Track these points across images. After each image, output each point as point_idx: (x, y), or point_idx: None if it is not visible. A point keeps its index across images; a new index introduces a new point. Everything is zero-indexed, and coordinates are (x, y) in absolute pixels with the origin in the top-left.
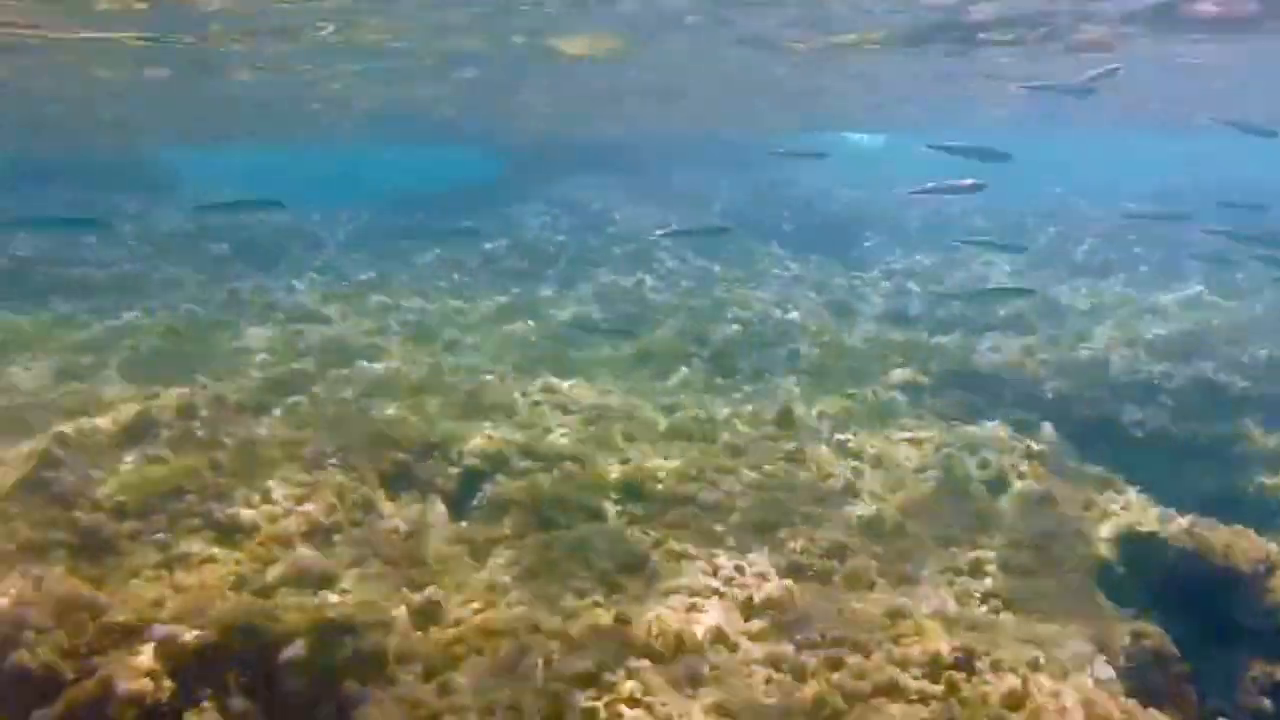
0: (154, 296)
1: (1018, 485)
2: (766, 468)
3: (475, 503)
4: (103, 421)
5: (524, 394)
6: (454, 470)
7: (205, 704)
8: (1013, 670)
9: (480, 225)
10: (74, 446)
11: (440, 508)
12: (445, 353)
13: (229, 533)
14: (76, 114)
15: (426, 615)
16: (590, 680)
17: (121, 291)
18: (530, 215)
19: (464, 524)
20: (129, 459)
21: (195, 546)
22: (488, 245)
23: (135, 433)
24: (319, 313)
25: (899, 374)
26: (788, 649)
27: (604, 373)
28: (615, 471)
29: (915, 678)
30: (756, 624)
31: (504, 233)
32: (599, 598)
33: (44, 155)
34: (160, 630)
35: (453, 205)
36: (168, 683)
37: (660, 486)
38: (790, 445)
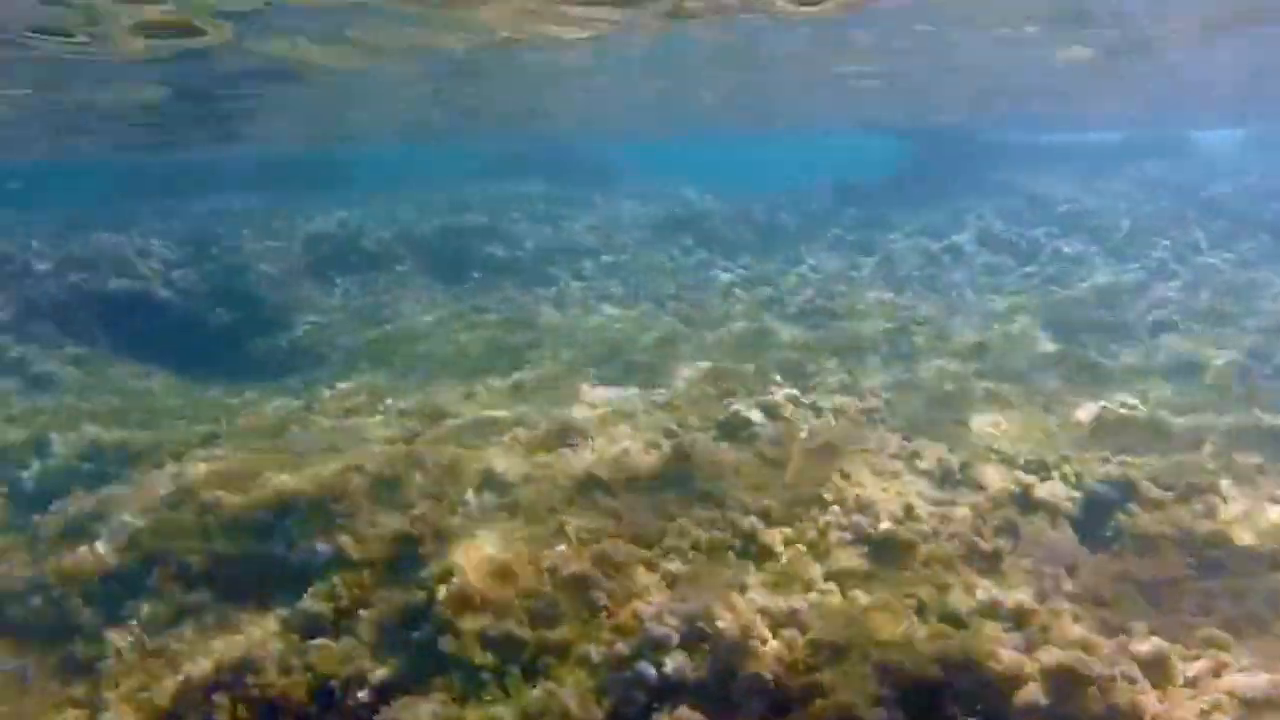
0: None
1: None
2: None
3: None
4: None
5: None
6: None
7: None
8: None
9: None
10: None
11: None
12: None
13: (881, 548)
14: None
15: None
16: None
17: None
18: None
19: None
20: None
21: (851, 561)
22: None
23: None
24: None
25: None
26: None
27: None
28: None
29: None
30: None
31: None
32: None
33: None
34: (876, 654)
35: (897, 196)
36: (900, 713)
37: None
38: None
